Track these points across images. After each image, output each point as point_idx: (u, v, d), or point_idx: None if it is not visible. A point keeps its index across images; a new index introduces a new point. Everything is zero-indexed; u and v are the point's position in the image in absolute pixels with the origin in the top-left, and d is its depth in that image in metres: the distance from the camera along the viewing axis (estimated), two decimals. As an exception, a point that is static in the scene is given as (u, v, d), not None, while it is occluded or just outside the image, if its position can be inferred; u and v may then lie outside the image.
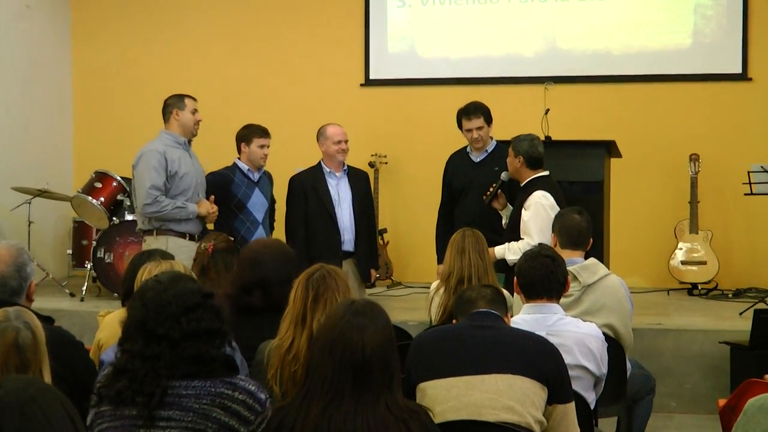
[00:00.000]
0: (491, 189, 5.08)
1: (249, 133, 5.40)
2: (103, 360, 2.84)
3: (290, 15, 7.78)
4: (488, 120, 5.47)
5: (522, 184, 4.83)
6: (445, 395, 2.69)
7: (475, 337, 2.79)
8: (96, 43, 8.04)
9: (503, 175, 5.04)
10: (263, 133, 5.41)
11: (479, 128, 5.40)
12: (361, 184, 5.66)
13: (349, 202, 5.54)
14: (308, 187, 5.52)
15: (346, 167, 5.60)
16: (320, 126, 5.64)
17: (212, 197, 5.19)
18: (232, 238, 4.29)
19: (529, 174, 4.77)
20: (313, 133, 5.66)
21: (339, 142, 5.50)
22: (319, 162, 5.61)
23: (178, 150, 5.11)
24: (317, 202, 5.49)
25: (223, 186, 5.34)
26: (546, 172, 4.81)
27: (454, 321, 3.06)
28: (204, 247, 4.04)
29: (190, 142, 5.22)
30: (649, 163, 7.18)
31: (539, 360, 2.75)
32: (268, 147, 5.42)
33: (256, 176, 5.43)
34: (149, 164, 4.98)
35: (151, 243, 4.95)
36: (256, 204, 5.40)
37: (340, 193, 5.55)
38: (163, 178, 4.99)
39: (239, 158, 5.44)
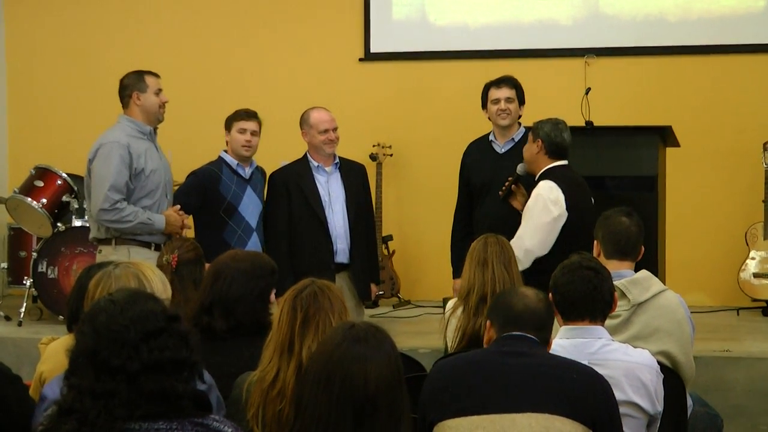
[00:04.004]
0: (507, 183, 5.12)
1: (231, 117, 5.42)
2: (45, 396, 2.83)
3: (272, -25, 7.81)
4: (520, 96, 5.51)
5: (537, 177, 4.88)
6: (468, 438, 2.70)
7: (506, 367, 2.80)
8: (35, 10, 8.05)
9: (519, 168, 5.09)
10: (245, 115, 5.40)
11: (508, 99, 5.44)
12: (357, 181, 5.66)
13: (343, 203, 5.55)
14: (292, 186, 5.51)
15: (337, 160, 5.60)
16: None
17: (177, 206, 5.19)
18: (199, 244, 4.28)
19: (546, 163, 4.87)
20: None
21: (326, 131, 5.48)
22: (305, 154, 5.61)
23: (144, 141, 5.11)
24: (303, 204, 5.49)
25: (210, 187, 5.33)
26: (565, 162, 4.87)
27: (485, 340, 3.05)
28: (166, 261, 4.03)
29: (155, 130, 5.23)
30: (713, 154, 7.17)
31: (584, 397, 2.75)
32: (254, 133, 5.39)
33: (247, 172, 5.43)
34: (110, 160, 4.97)
35: (108, 254, 4.94)
36: (249, 206, 5.40)
37: (332, 192, 5.55)
38: (126, 178, 4.98)
39: (226, 150, 5.45)
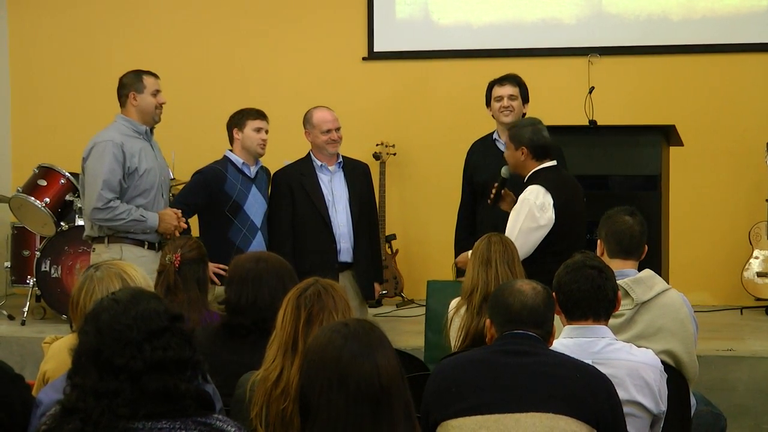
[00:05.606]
0: (494, 189, 5.06)
1: (242, 117, 5.42)
2: (41, 400, 2.80)
3: (276, -26, 7.80)
4: (523, 94, 5.51)
5: (525, 179, 4.83)
6: (472, 438, 2.70)
7: (509, 366, 2.80)
8: (38, 11, 8.06)
9: (503, 171, 5.00)
10: (258, 114, 5.44)
11: (511, 96, 5.44)
12: (361, 180, 5.66)
13: (346, 202, 5.55)
14: (295, 185, 5.51)
15: (341, 159, 5.61)
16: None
17: (179, 211, 5.17)
18: (202, 243, 4.26)
19: (533, 166, 4.80)
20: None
21: (329, 130, 5.48)
22: (308, 154, 5.61)
23: (139, 140, 5.11)
24: (307, 203, 5.49)
25: (216, 186, 5.33)
26: (553, 162, 4.82)
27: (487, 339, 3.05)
28: (169, 260, 4.01)
29: (152, 129, 5.23)
30: (716, 153, 7.16)
31: (588, 396, 2.75)
32: (267, 132, 5.43)
33: (252, 171, 5.44)
34: (103, 158, 4.97)
35: (101, 253, 4.96)
36: (254, 205, 5.41)
37: (335, 191, 5.56)
38: (119, 176, 4.99)
39: (231, 150, 5.45)
